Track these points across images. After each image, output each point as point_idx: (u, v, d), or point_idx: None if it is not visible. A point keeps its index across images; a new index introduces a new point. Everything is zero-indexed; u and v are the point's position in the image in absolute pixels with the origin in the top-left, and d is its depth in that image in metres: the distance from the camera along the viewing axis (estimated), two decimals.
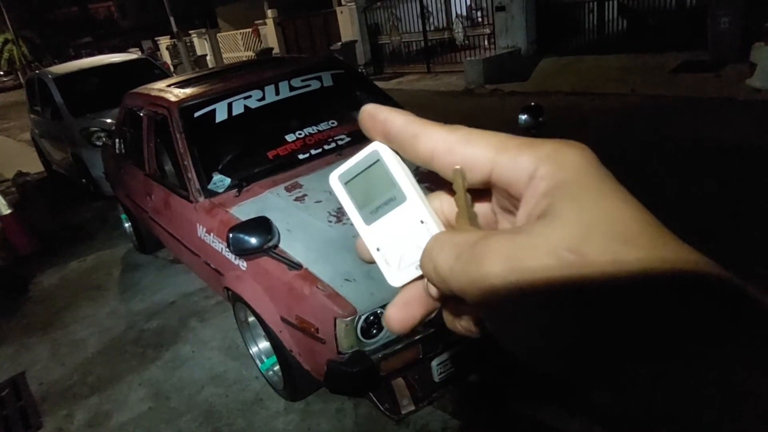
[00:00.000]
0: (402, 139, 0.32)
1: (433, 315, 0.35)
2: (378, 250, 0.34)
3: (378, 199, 0.34)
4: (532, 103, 3.08)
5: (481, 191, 0.32)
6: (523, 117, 3.01)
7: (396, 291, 0.35)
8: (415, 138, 0.31)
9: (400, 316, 0.34)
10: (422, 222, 0.32)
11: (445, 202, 0.35)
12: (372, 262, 0.35)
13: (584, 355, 0.23)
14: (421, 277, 0.33)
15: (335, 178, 0.36)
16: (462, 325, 0.33)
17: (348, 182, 0.35)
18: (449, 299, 0.32)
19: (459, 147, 0.30)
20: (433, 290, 0.31)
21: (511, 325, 0.26)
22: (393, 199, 0.33)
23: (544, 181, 0.26)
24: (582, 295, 0.23)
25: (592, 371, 0.23)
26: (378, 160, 0.34)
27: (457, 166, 0.29)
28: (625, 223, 0.23)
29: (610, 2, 8.85)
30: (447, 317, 0.34)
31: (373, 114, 0.34)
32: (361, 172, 0.34)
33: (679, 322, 0.21)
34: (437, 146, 0.31)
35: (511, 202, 0.30)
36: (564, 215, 0.24)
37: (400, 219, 0.33)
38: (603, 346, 0.22)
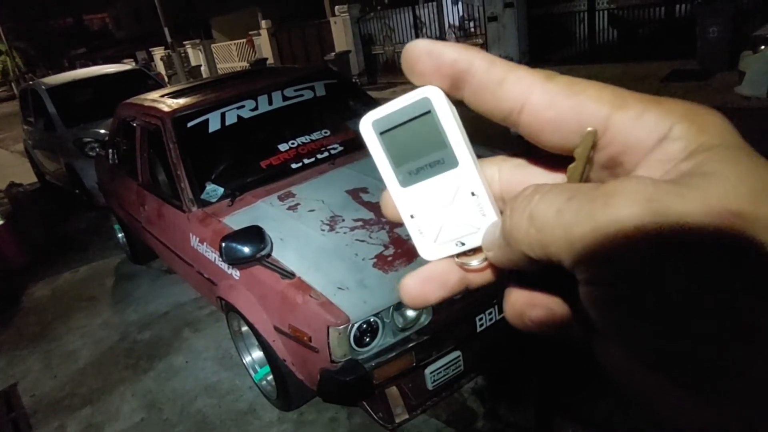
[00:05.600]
0: (481, 85, 0.26)
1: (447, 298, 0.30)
2: (412, 217, 0.30)
3: (421, 159, 0.28)
4: None
5: (553, 161, 0.27)
6: None
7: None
8: (500, 85, 0.25)
9: (416, 291, 0.30)
10: (473, 194, 0.28)
11: (505, 170, 0.29)
12: (398, 222, 0.31)
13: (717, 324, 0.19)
14: (460, 255, 0.29)
15: (368, 124, 0.29)
16: (534, 316, 0.27)
17: (385, 132, 0.29)
18: (520, 277, 0.27)
19: (562, 100, 0.24)
20: (504, 257, 0.26)
21: (636, 286, 0.20)
22: (440, 162, 0.28)
23: (682, 142, 0.22)
24: (745, 255, 0.18)
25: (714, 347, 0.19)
26: (429, 111, 0.27)
27: (590, 128, 0.24)
28: None
29: (601, 12, 8.96)
30: (513, 308, 0.28)
31: (434, 52, 0.27)
32: (405, 122, 0.28)
33: None
34: (532, 97, 0.25)
35: (612, 171, 0.25)
36: (722, 174, 0.20)
37: (446, 186, 0.28)
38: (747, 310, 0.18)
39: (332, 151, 3.17)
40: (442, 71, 0.26)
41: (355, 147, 3.13)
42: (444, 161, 0.28)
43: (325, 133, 3.31)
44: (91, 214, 6.29)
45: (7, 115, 20.00)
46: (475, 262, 0.29)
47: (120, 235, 4.83)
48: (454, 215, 0.28)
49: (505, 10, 9.56)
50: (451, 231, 0.29)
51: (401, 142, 0.28)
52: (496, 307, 2.29)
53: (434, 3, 11.34)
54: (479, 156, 0.29)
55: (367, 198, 2.67)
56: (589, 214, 0.21)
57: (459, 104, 0.28)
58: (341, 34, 12.92)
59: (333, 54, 12.28)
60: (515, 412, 2.43)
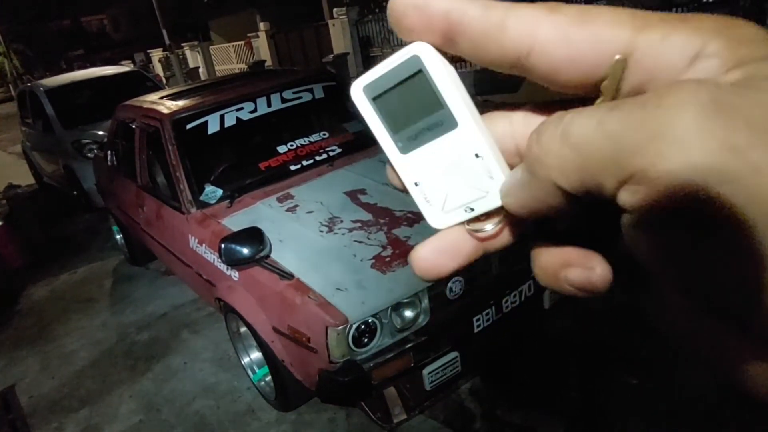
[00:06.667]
0: (480, 34, 0.22)
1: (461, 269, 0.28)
2: (416, 185, 0.28)
3: (419, 123, 0.26)
4: None
5: (571, 104, 0.23)
6: None
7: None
8: (502, 28, 0.22)
9: (428, 263, 0.27)
10: (477, 156, 0.25)
11: (518, 120, 0.26)
12: (405, 190, 0.28)
13: None
14: (470, 221, 0.27)
15: (359, 90, 0.27)
16: (572, 277, 0.23)
17: (377, 97, 0.26)
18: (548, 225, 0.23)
19: (574, 32, 0.21)
20: (528, 197, 0.22)
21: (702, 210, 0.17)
22: (439, 123, 0.25)
23: (718, 58, 0.19)
24: None
25: None
26: (420, 71, 0.25)
27: (619, 56, 0.21)
28: None
29: None
30: (545, 271, 0.24)
31: (420, 3, 0.23)
32: (397, 84, 0.26)
33: None
34: (539, 35, 0.21)
35: None
36: None
37: (447, 149, 0.26)
38: None
39: (331, 153, 3.18)
40: (432, 25, 0.23)
41: (354, 149, 3.15)
42: (443, 123, 0.25)
43: (324, 135, 3.33)
44: (89, 215, 6.29)
45: (4, 116, 19.95)
46: (488, 226, 0.27)
47: (118, 237, 4.83)
48: (459, 180, 0.26)
49: None
50: (457, 197, 0.26)
51: (396, 106, 0.26)
52: (494, 307, 2.31)
53: None
54: (485, 111, 0.27)
55: (365, 199, 2.68)
56: (641, 120, 0.17)
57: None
58: (339, 36, 12.94)
59: (331, 56, 12.29)
60: (513, 413, 2.44)
